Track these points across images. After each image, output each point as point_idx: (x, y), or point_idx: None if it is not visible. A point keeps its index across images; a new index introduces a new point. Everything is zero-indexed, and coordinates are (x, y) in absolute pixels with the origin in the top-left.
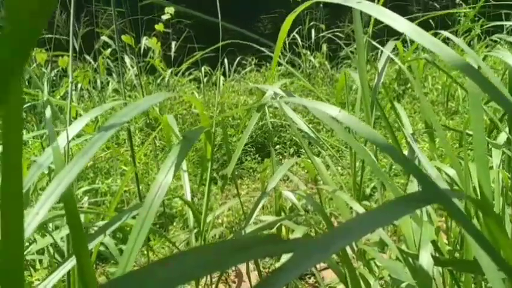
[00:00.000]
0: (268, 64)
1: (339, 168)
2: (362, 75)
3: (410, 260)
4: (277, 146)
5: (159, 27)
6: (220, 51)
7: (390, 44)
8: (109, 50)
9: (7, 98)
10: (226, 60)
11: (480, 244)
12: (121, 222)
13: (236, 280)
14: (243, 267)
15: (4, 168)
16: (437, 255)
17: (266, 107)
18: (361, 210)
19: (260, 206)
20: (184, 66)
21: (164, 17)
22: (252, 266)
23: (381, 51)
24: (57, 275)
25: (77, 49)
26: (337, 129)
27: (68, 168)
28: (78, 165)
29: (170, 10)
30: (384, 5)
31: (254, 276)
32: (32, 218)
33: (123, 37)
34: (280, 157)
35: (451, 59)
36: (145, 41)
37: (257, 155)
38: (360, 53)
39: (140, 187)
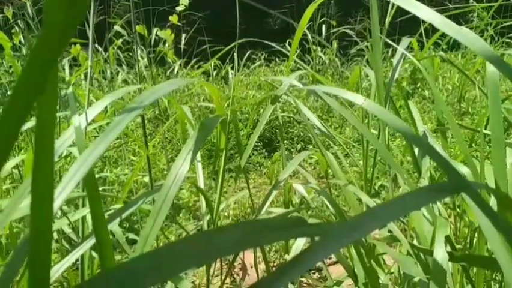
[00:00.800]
0: (277, 59)
1: (347, 164)
2: (377, 68)
3: (422, 255)
4: (285, 142)
5: (174, 18)
6: (235, 48)
7: (406, 41)
8: (120, 40)
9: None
10: (235, 54)
11: (507, 237)
12: (136, 207)
13: (240, 273)
14: (247, 259)
15: (38, 146)
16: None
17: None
18: (373, 204)
19: (271, 198)
20: (206, 65)
21: (179, 8)
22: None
23: (393, 49)
24: (71, 258)
25: (91, 38)
26: (350, 119)
27: (92, 148)
28: (103, 144)
29: (185, 1)
30: None
31: (259, 270)
32: (57, 196)
33: (137, 27)
34: (288, 152)
35: (478, 48)
36: (157, 32)
37: (264, 150)
38: (376, 46)
39: (148, 177)
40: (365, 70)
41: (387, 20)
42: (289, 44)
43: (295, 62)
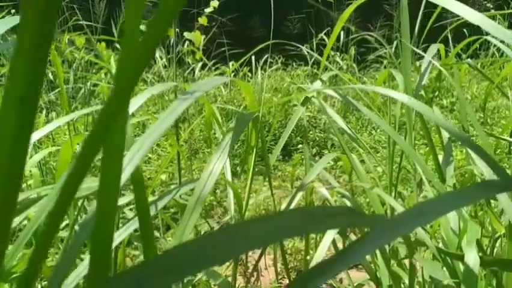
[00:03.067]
0: (294, 64)
1: (364, 170)
2: (406, 72)
3: (449, 260)
4: (300, 146)
5: (203, 20)
6: (270, 49)
7: (434, 47)
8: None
9: None
10: (253, 57)
11: None
12: (171, 197)
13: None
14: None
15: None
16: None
17: (297, 105)
18: (399, 208)
19: (295, 201)
20: (235, 67)
21: (208, 10)
22: (269, 261)
23: (417, 56)
24: (116, 240)
25: (116, 36)
26: (378, 121)
27: (151, 131)
28: (164, 125)
29: (214, 4)
30: None
31: (271, 272)
32: None
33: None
34: (302, 157)
35: None
36: (185, 34)
37: (279, 154)
38: (405, 51)
39: (170, 173)
40: (394, 73)
41: (417, 26)
42: (308, 49)
43: (311, 67)
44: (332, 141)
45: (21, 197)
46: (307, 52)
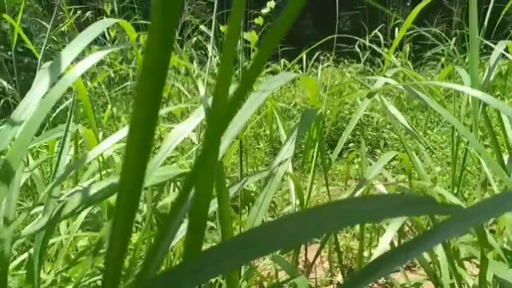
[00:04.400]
0: (346, 61)
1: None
2: (473, 68)
3: None
4: (351, 144)
5: (259, 20)
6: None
7: (503, 43)
8: (194, 39)
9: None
10: (304, 54)
11: None
12: (241, 185)
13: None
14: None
15: (215, 101)
16: None
17: (348, 104)
18: (462, 207)
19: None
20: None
21: (264, 11)
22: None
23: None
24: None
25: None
26: (444, 113)
27: (234, 122)
28: (244, 117)
29: (271, 4)
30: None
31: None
32: None
33: (222, 28)
34: (358, 154)
35: None
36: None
37: (328, 151)
38: (474, 47)
39: (225, 167)
40: (457, 69)
41: (486, 21)
42: (359, 46)
43: (363, 64)
44: (385, 141)
45: (104, 184)
46: (359, 49)
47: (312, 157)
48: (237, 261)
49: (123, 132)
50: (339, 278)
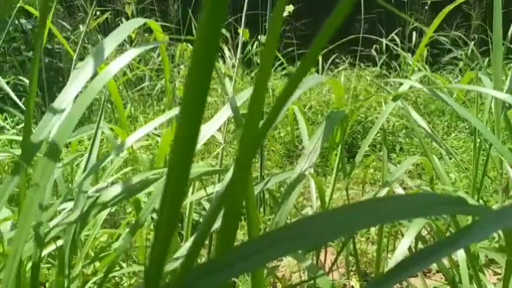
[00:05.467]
0: (362, 64)
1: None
2: (496, 73)
3: None
4: (366, 148)
5: None
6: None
7: None
8: None
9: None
10: (320, 57)
11: None
12: (264, 185)
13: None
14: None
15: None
16: None
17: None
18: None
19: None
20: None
21: (283, 14)
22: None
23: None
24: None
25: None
26: (467, 116)
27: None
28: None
29: (289, 8)
30: None
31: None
32: None
33: (241, 30)
34: (372, 160)
35: None
36: (260, 37)
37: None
38: (497, 52)
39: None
40: (479, 75)
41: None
42: (375, 50)
43: (380, 68)
44: (401, 145)
45: (136, 179)
46: (376, 53)
47: (334, 160)
48: (267, 258)
49: (150, 126)
50: (352, 282)
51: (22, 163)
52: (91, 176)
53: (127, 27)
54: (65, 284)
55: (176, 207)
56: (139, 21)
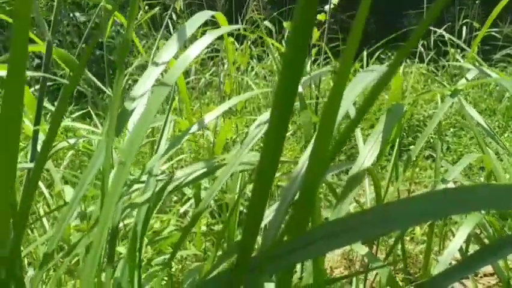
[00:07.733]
0: (408, 60)
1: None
2: None
3: None
4: (411, 147)
5: (321, 16)
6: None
7: None
8: (254, 35)
9: None
10: (365, 53)
11: None
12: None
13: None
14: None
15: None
16: None
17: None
18: None
19: None
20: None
21: (327, 7)
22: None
23: None
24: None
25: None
26: None
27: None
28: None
29: (335, 1)
30: None
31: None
32: None
33: (285, 23)
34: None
35: None
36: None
37: (386, 153)
38: None
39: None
40: None
41: None
42: (423, 46)
43: (427, 65)
44: (448, 144)
45: (183, 172)
46: (423, 49)
47: (390, 154)
48: (340, 243)
49: (222, 108)
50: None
51: (109, 142)
52: (160, 158)
53: (201, 16)
54: (137, 259)
55: (268, 185)
56: (208, 13)
